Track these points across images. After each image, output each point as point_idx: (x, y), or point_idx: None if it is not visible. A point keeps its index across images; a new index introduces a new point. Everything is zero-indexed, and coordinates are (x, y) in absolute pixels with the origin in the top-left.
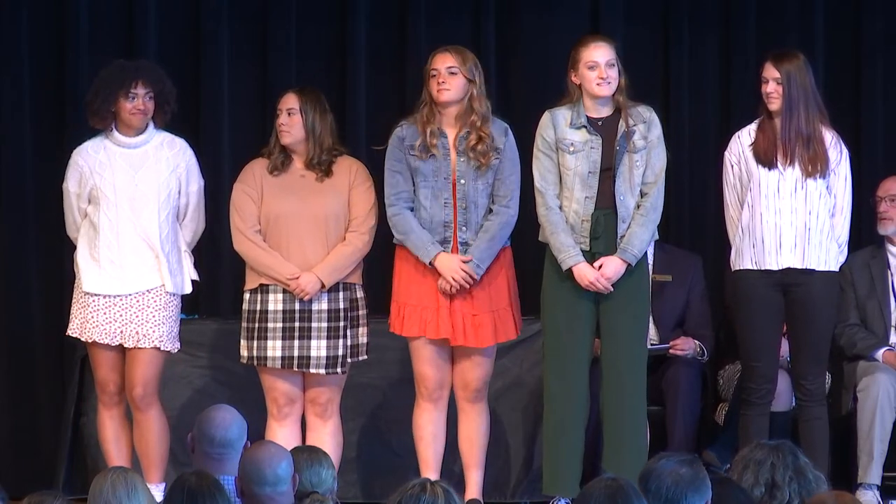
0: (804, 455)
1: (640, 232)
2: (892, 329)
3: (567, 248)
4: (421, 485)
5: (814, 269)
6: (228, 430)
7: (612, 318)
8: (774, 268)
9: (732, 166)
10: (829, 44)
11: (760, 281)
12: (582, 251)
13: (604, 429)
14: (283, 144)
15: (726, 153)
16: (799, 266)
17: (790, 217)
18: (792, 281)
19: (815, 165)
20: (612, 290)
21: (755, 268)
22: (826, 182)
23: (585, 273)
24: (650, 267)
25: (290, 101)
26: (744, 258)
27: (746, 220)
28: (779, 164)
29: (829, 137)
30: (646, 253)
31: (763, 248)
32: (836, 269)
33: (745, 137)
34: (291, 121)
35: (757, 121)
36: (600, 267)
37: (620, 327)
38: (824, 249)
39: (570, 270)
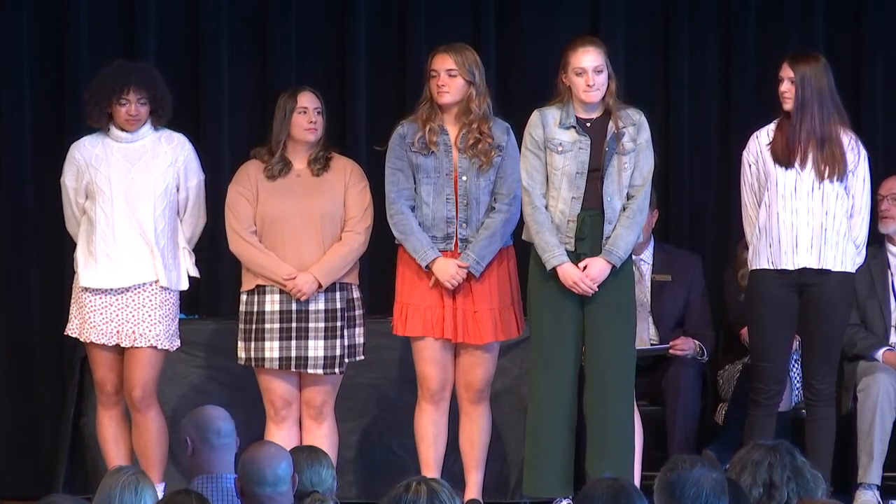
0: (802, 454)
1: (625, 234)
2: (892, 329)
3: (552, 248)
4: (406, 485)
5: (829, 270)
6: (226, 420)
7: (597, 320)
8: (790, 268)
9: (750, 166)
10: (829, 44)
11: (776, 281)
12: (567, 252)
13: (588, 430)
14: (307, 142)
15: (744, 153)
16: (815, 266)
17: (807, 217)
18: (807, 281)
19: (831, 167)
20: (596, 290)
21: (771, 267)
22: (843, 183)
23: (570, 273)
24: (650, 267)
25: (315, 100)
26: (760, 258)
27: (763, 219)
28: (796, 165)
29: (847, 140)
30: (631, 255)
31: (780, 248)
32: (853, 270)
33: (763, 137)
34: (319, 119)
35: (776, 121)
36: (585, 268)
37: (604, 329)
38: (840, 250)
39: (554, 270)
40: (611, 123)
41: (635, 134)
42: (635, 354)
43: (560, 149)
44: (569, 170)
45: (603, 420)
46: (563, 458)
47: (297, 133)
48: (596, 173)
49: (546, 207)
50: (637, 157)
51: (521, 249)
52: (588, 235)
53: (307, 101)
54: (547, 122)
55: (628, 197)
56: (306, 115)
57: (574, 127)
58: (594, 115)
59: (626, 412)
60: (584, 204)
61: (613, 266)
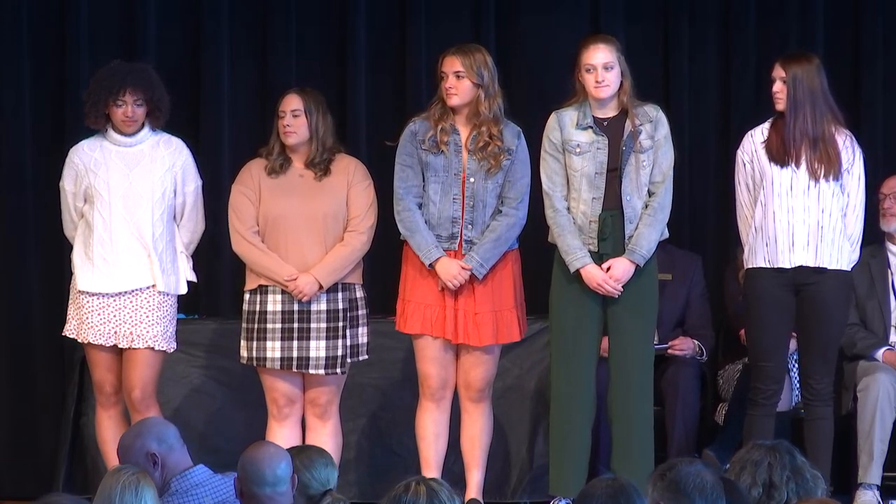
0: (801, 454)
1: (647, 232)
2: (893, 329)
3: (574, 251)
4: (405, 485)
5: (826, 268)
6: (169, 423)
7: (620, 319)
8: (787, 266)
9: (745, 165)
10: (829, 44)
11: (772, 280)
12: (590, 252)
13: (612, 429)
14: (287, 145)
15: (739, 151)
16: (811, 264)
17: (803, 215)
18: (804, 280)
19: (826, 167)
20: (621, 291)
21: (768, 266)
22: (839, 181)
23: (594, 275)
24: None
25: (294, 103)
26: (756, 256)
27: (759, 218)
28: (791, 164)
29: (842, 139)
30: (655, 252)
31: (776, 246)
32: (849, 268)
33: (757, 136)
34: (296, 122)
35: (770, 119)
36: (608, 269)
37: (628, 328)
38: (837, 248)
39: (578, 272)
40: (627, 122)
41: (653, 131)
42: (654, 353)
43: (578, 150)
44: (587, 171)
45: (627, 419)
46: (586, 457)
47: (280, 135)
48: (615, 173)
49: (568, 209)
50: (656, 154)
51: (539, 251)
52: (610, 235)
53: (286, 104)
54: (564, 124)
55: (649, 194)
56: (283, 119)
57: (591, 127)
58: (610, 114)
59: (648, 411)
60: (605, 204)
61: (637, 265)
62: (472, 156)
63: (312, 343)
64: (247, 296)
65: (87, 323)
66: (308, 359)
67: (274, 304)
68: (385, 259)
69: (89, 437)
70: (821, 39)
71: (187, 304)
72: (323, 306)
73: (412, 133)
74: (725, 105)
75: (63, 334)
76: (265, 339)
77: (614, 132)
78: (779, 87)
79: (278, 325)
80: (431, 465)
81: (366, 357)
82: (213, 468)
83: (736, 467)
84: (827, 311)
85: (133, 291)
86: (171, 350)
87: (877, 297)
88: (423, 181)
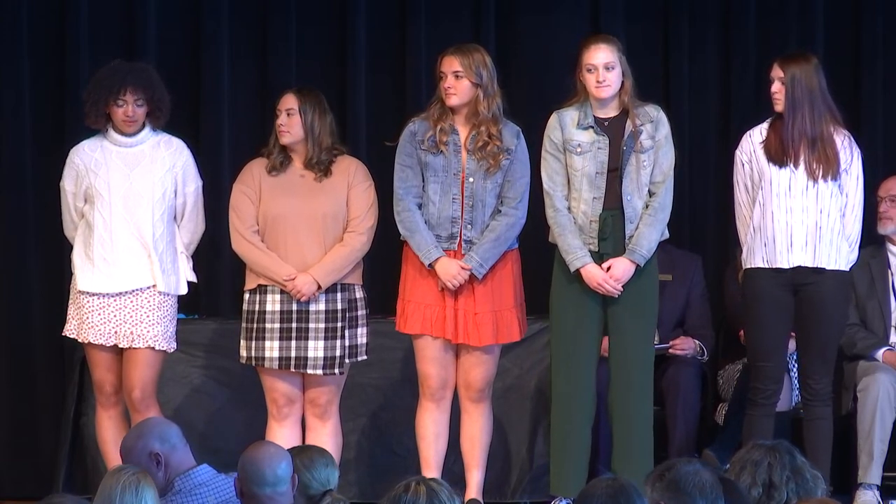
0: (802, 454)
1: (647, 232)
2: (893, 329)
3: (575, 250)
4: (405, 485)
5: (824, 268)
6: (171, 422)
7: (620, 319)
8: (785, 266)
9: (743, 165)
10: (829, 44)
11: (771, 280)
12: (590, 252)
13: (613, 429)
14: (282, 144)
15: (737, 152)
16: (810, 265)
17: (801, 216)
18: (802, 280)
19: (825, 167)
20: (621, 290)
21: (766, 266)
22: (837, 181)
23: (594, 274)
24: None
25: (289, 102)
26: (755, 257)
27: (758, 218)
28: (790, 164)
29: (840, 139)
30: (655, 252)
31: (774, 246)
32: (847, 268)
33: (756, 136)
34: (291, 121)
35: (769, 119)
36: (609, 268)
37: (628, 327)
38: (835, 248)
39: (578, 272)
40: (628, 122)
41: (653, 130)
42: (655, 353)
43: (579, 150)
44: (588, 170)
45: (628, 419)
46: (586, 457)
47: (276, 134)
48: (615, 173)
49: (568, 209)
50: (656, 154)
51: (539, 252)
52: (610, 235)
53: (282, 103)
54: (565, 124)
55: (650, 194)
56: (279, 118)
57: (592, 127)
58: (611, 114)
59: (649, 411)
60: (606, 204)
61: (637, 265)
62: (472, 155)
63: (311, 343)
64: (246, 295)
65: (87, 323)
66: (306, 359)
67: (273, 303)
68: (385, 259)
69: (89, 437)
70: (821, 39)
71: (187, 304)
72: (322, 306)
73: (411, 133)
74: (725, 105)
75: (63, 334)
76: (264, 338)
77: (615, 132)
78: (777, 88)
79: (277, 325)
80: (431, 465)
81: (365, 357)
82: (214, 468)
83: (736, 467)
84: (826, 311)
85: (133, 291)
86: (172, 350)
87: (877, 297)
88: (423, 181)
